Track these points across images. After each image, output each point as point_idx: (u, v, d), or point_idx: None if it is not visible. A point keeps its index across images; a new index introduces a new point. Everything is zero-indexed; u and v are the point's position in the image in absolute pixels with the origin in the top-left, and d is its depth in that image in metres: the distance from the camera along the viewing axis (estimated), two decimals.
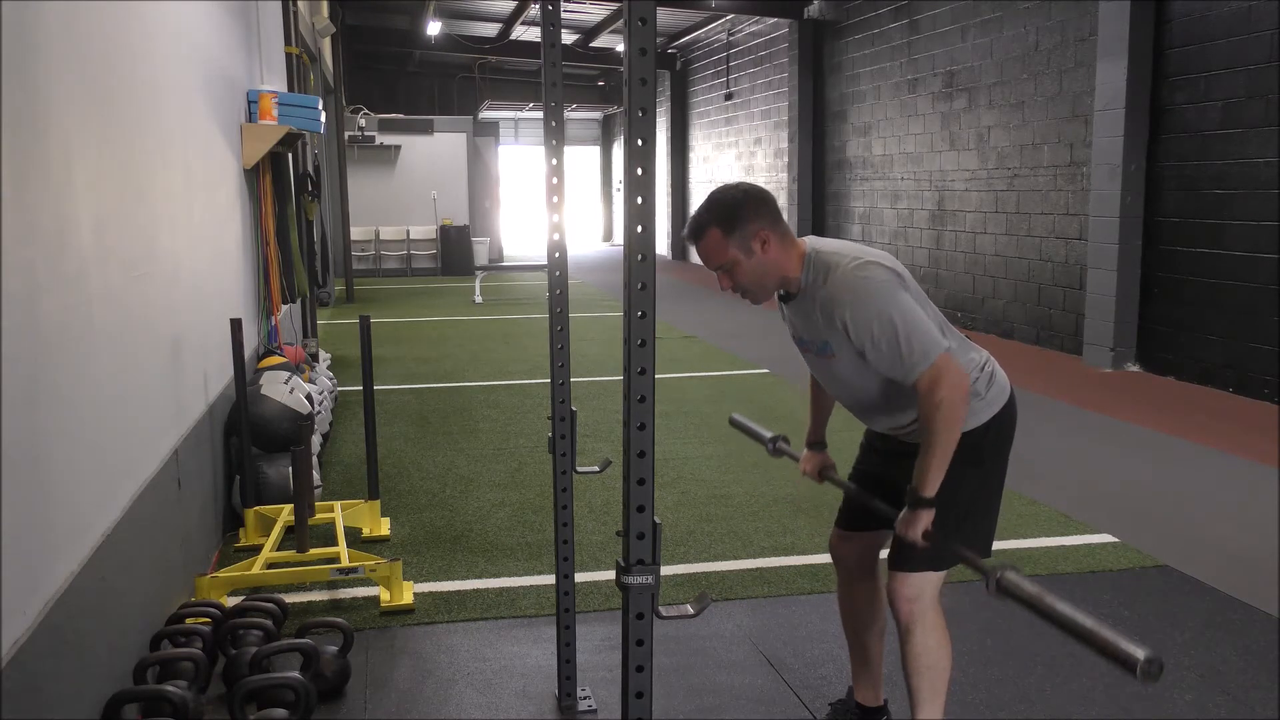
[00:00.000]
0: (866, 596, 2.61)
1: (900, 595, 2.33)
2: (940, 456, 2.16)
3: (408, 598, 3.54)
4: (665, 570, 3.70)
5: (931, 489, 2.17)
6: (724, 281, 2.29)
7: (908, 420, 2.34)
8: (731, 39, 16.60)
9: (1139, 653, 1.51)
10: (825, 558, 3.97)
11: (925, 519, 2.19)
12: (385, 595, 3.55)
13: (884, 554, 2.48)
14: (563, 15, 2.72)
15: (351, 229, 14.33)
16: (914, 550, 2.23)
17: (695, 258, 19.25)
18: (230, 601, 3.35)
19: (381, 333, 9.82)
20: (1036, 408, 6.67)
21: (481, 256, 17.48)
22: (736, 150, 16.92)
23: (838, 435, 2.72)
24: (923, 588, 2.33)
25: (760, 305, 2.40)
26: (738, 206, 2.23)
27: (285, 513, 4.09)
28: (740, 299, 2.33)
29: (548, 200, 2.65)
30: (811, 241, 2.31)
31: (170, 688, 2.51)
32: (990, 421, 2.34)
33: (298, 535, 3.73)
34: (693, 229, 2.26)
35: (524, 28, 17.00)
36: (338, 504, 4.29)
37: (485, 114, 21.28)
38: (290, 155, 6.95)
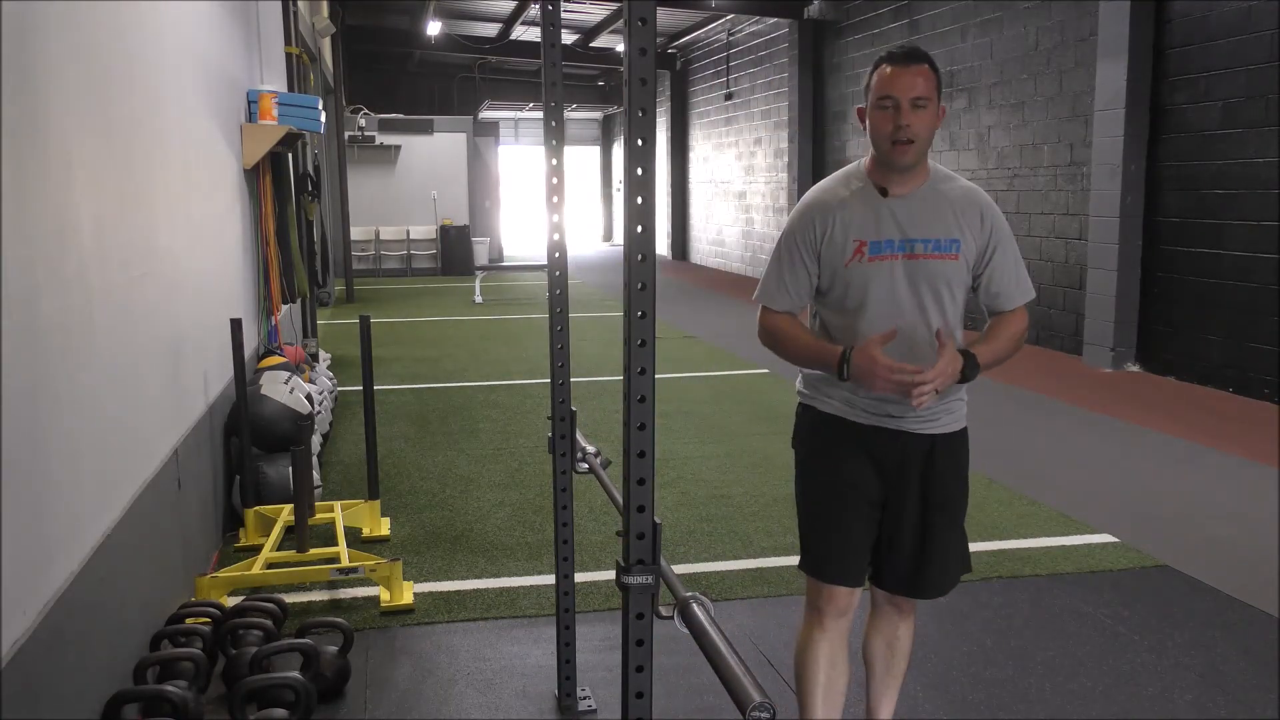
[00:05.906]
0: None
1: None
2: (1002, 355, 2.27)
3: (408, 598, 3.55)
4: None
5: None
6: (908, 116, 2.21)
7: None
8: (731, 39, 16.60)
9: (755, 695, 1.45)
10: None
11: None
12: (385, 595, 3.55)
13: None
14: (563, 15, 2.72)
15: (351, 229, 14.33)
16: None
17: (696, 256, 19.32)
18: (230, 601, 3.36)
19: (381, 333, 9.82)
20: (1036, 407, 6.67)
21: (481, 256, 17.49)
22: (736, 150, 16.92)
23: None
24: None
25: (904, 164, 2.24)
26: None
27: (285, 513, 4.09)
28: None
29: (548, 200, 2.65)
30: None
31: (170, 688, 2.51)
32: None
33: (298, 535, 3.73)
34: (915, 53, 2.24)
35: (524, 28, 17.01)
36: (338, 504, 4.29)
37: (485, 114, 21.29)
38: (290, 155, 6.95)
